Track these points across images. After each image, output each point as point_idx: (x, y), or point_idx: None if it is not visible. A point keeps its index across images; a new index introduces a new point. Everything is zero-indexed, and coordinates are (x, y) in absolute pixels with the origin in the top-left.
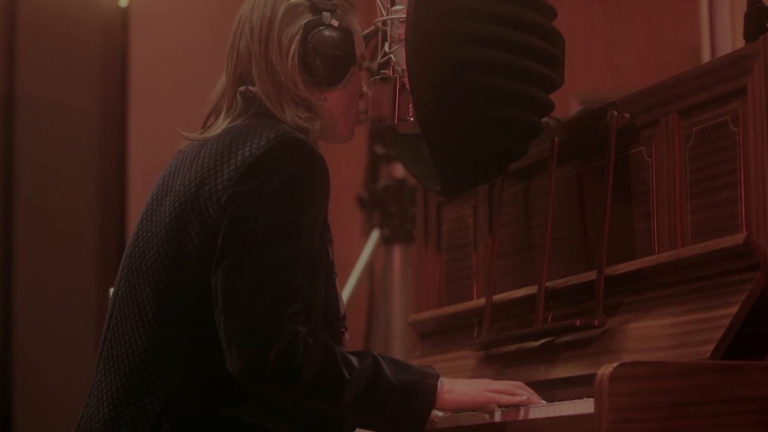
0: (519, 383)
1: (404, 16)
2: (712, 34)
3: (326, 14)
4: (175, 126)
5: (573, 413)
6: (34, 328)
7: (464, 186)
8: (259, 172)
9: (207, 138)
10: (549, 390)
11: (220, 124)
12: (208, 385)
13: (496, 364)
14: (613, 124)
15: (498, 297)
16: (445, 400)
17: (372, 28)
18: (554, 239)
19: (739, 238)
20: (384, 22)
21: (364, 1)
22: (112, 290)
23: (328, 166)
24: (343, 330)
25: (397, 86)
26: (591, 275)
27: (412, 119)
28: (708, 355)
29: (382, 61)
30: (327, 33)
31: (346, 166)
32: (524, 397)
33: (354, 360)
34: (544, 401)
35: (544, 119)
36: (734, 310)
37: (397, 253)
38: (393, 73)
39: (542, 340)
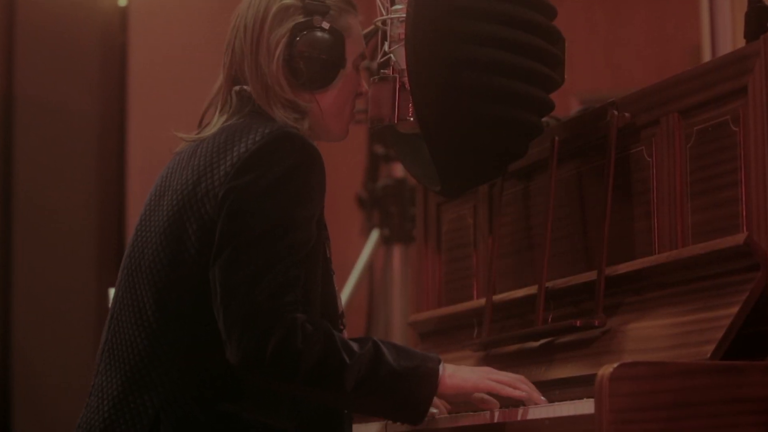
0: (521, 377)
1: (404, 15)
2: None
3: (317, 17)
4: (174, 125)
5: (573, 414)
6: (33, 329)
7: (464, 186)
8: (255, 167)
9: (203, 138)
10: (549, 390)
11: (215, 123)
12: (208, 382)
13: (496, 364)
14: (613, 124)
15: (498, 297)
16: (446, 385)
17: (372, 27)
18: (554, 239)
19: (739, 238)
20: (384, 22)
21: (364, 1)
22: (112, 291)
23: (328, 166)
24: (342, 327)
25: (397, 86)
26: (591, 275)
27: (411, 119)
28: (708, 355)
29: (381, 60)
30: (314, 36)
31: (345, 165)
32: (524, 393)
33: (354, 345)
34: (544, 398)
35: (544, 119)
36: (735, 310)
37: (396, 253)
38: (393, 73)
39: (542, 341)
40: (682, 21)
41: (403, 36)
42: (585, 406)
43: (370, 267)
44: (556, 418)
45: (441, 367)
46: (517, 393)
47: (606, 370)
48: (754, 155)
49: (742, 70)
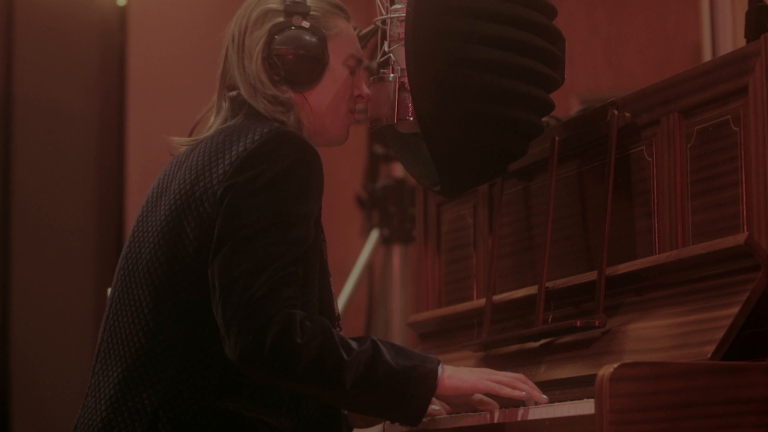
0: (521, 376)
1: (404, 14)
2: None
3: (296, 17)
4: (173, 124)
5: (573, 414)
6: (31, 328)
7: (464, 186)
8: (254, 165)
9: (199, 140)
10: (549, 391)
11: (210, 127)
12: (206, 379)
13: (496, 364)
14: (613, 124)
15: (498, 297)
16: (445, 386)
17: (371, 27)
18: (554, 239)
19: (740, 239)
20: (383, 21)
21: (364, 1)
22: (110, 290)
23: (328, 166)
24: (338, 330)
25: (397, 85)
26: (591, 275)
27: (411, 119)
28: (709, 355)
29: (381, 60)
30: (291, 33)
31: (345, 165)
32: (524, 393)
33: (353, 343)
34: (545, 396)
35: (544, 118)
36: (735, 310)
37: (396, 253)
38: (392, 73)
39: (542, 341)
40: (683, 20)
41: (402, 35)
42: (585, 407)
43: (369, 267)
44: (556, 419)
45: (440, 367)
46: (516, 393)
47: (606, 370)
48: (755, 155)
49: (743, 69)
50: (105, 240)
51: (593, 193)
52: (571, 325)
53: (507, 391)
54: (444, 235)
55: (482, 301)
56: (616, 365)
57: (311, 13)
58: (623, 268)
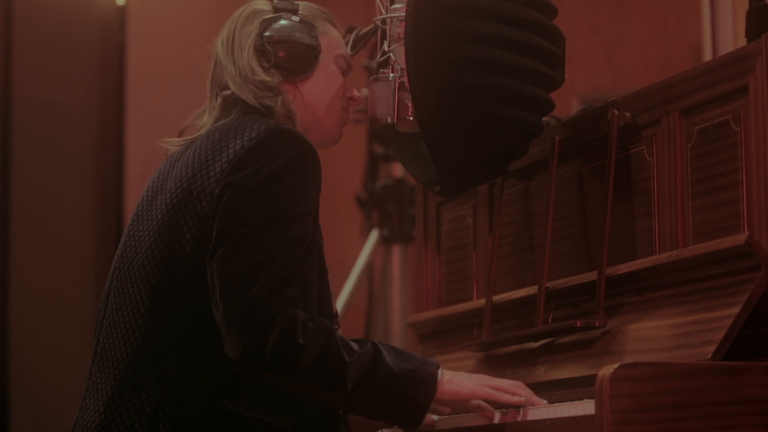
0: (519, 383)
1: (404, 14)
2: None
3: (286, 14)
4: (172, 124)
5: (573, 414)
6: (30, 328)
7: (464, 186)
8: (252, 162)
9: (193, 139)
10: (549, 391)
11: (203, 126)
12: (205, 378)
13: (496, 365)
14: (614, 123)
15: (498, 297)
16: (444, 390)
17: (371, 26)
18: (555, 239)
19: (740, 239)
20: (383, 21)
21: (363, 0)
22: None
23: (327, 165)
24: (336, 327)
25: (396, 85)
26: (592, 275)
27: (411, 118)
28: (710, 356)
29: (381, 59)
30: (281, 23)
31: (345, 165)
32: (523, 398)
33: (354, 345)
34: (544, 401)
35: (544, 118)
36: (736, 310)
37: (396, 253)
38: (392, 72)
39: (542, 341)
40: (683, 20)
41: (402, 35)
42: (585, 407)
43: (369, 267)
44: (556, 419)
45: (440, 372)
46: (515, 399)
47: (606, 370)
48: (755, 155)
49: (744, 69)
50: (104, 239)
51: (593, 193)
52: (571, 325)
53: (506, 398)
54: (444, 235)
55: (482, 301)
56: (616, 365)
57: (300, 12)
58: (623, 268)
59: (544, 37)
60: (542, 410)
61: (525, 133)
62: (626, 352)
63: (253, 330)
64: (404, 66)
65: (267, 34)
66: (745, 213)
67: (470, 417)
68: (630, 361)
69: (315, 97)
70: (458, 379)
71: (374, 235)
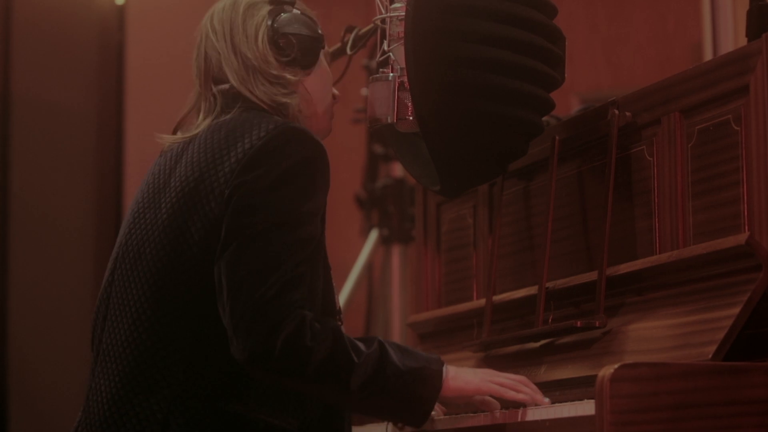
0: (523, 379)
1: (403, 13)
2: (714, 32)
3: (286, 6)
4: (171, 123)
5: (573, 415)
6: (29, 328)
7: (464, 186)
8: (262, 163)
9: (193, 135)
10: (549, 391)
11: (201, 123)
12: (213, 381)
13: (496, 365)
14: (614, 123)
15: (498, 297)
16: (449, 387)
17: (371, 26)
18: (555, 239)
19: (741, 239)
20: (383, 20)
21: (363, 0)
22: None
23: None
24: (339, 323)
25: (396, 85)
26: (592, 275)
27: (411, 118)
28: (710, 356)
29: (381, 59)
30: (292, 15)
31: (345, 165)
32: (526, 396)
33: (361, 345)
34: (547, 399)
35: (544, 118)
36: (736, 311)
37: (396, 253)
38: (392, 72)
39: (543, 341)
40: (683, 19)
41: (402, 34)
42: (585, 408)
43: (369, 267)
44: (556, 420)
45: (444, 368)
46: (520, 396)
47: (607, 371)
48: (756, 155)
49: (744, 68)
50: (103, 239)
51: (593, 192)
52: (571, 325)
53: (510, 394)
54: (444, 235)
55: (482, 302)
56: (616, 366)
57: (295, 4)
58: (624, 268)
59: (544, 37)
60: (542, 410)
61: (525, 132)
62: (626, 352)
63: (261, 332)
64: (404, 65)
65: (279, 26)
66: (746, 213)
67: (470, 417)
68: (630, 361)
69: (317, 92)
70: (463, 375)
71: (374, 235)
